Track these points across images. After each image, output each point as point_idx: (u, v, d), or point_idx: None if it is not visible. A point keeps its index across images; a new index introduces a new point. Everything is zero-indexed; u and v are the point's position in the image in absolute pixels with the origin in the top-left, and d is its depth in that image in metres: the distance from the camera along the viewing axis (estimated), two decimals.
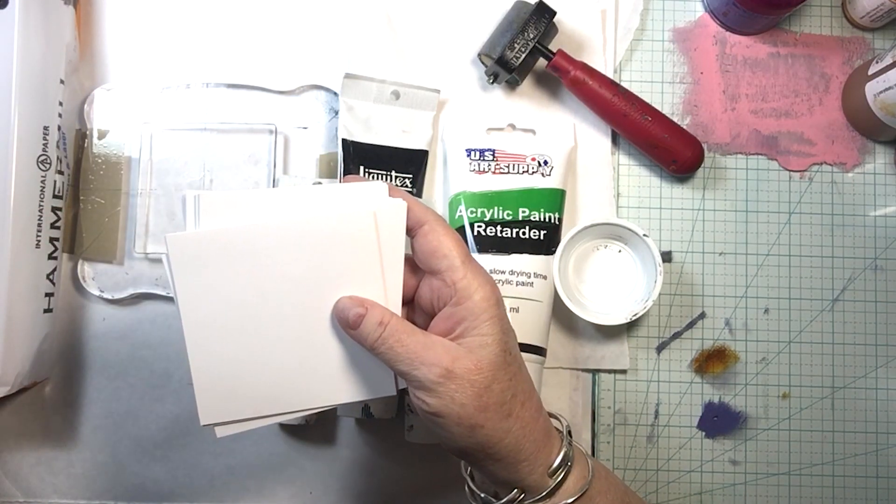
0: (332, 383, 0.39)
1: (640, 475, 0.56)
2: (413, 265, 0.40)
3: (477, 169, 0.55)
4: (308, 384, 0.39)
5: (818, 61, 0.59)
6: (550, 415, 0.41)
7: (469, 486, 0.42)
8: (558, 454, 0.38)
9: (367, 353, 0.37)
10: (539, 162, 0.55)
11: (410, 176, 0.54)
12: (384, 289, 0.38)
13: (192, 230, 0.36)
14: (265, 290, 0.37)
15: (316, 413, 0.40)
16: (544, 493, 0.38)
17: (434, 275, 0.38)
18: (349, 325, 0.37)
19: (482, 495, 0.41)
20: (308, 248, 0.37)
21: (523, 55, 0.53)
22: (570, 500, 0.38)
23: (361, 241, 0.38)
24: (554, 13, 0.54)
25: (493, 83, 0.57)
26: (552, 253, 0.54)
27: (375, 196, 0.38)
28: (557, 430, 0.40)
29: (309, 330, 0.38)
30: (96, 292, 0.54)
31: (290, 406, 0.39)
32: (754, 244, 0.58)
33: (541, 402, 0.39)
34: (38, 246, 0.51)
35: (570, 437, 0.40)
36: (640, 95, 0.55)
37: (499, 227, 0.54)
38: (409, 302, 0.41)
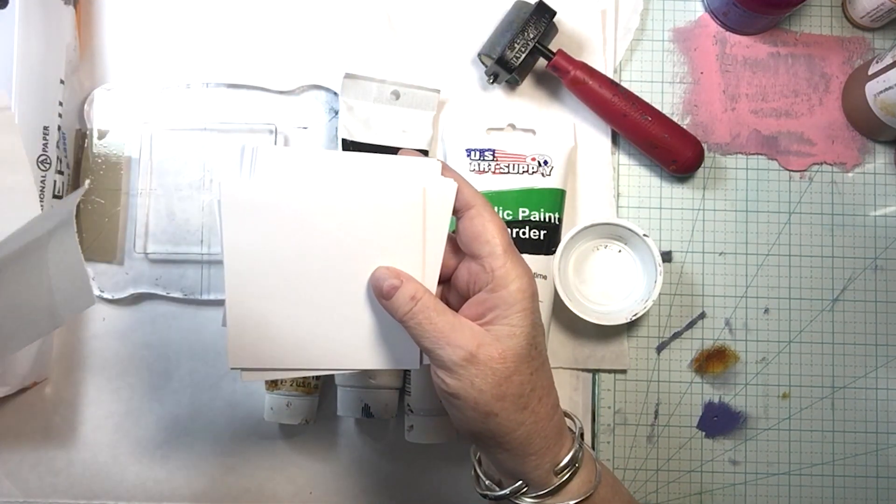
0: (360, 349, 0.40)
1: (640, 475, 0.56)
2: (455, 246, 0.40)
3: (477, 169, 0.55)
4: (336, 346, 0.39)
5: (818, 61, 0.59)
6: (566, 414, 0.41)
7: (475, 471, 0.42)
8: (567, 454, 0.38)
9: (396, 324, 0.38)
10: (539, 162, 0.55)
11: None
12: (423, 265, 0.39)
13: (247, 180, 0.37)
14: (308, 248, 0.38)
15: (335, 373, 0.40)
16: (546, 491, 0.38)
17: (474, 259, 0.38)
18: (382, 295, 0.37)
19: (486, 482, 0.41)
20: (355, 214, 0.38)
21: (523, 55, 0.53)
22: (572, 503, 0.38)
23: (408, 216, 0.38)
24: (554, 13, 0.54)
25: (493, 83, 0.57)
26: (552, 253, 0.54)
27: (428, 173, 0.39)
28: (571, 430, 0.40)
29: (345, 293, 0.39)
30: (96, 292, 0.54)
31: (315, 363, 0.39)
32: (754, 244, 0.58)
33: (558, 400, 0.40)
34: None
35: (582, 438, 0.40)
36: (640, 95, 0.55)
37: None
38: (445, 281, 0.41)
